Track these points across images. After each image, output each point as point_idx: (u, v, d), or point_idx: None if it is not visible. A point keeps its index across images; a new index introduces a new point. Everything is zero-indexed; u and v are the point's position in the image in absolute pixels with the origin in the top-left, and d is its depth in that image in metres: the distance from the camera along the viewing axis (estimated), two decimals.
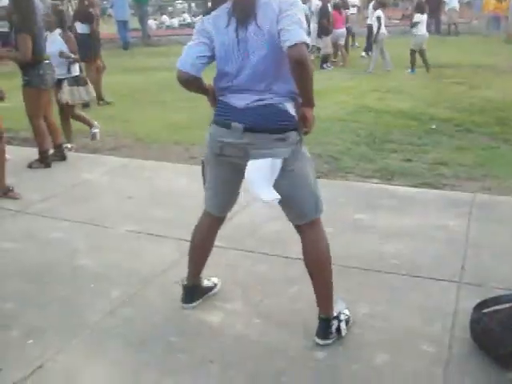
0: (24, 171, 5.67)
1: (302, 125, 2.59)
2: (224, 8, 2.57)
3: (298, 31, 2.36)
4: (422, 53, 12.18)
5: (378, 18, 12.60)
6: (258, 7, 2.47)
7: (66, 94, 6.25)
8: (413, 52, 12.22)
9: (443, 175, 5.26)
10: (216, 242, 3.09)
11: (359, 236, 3.94)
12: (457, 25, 21.43)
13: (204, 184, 2.92)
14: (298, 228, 2.78)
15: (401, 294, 3.20)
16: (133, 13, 22.08)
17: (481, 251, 3.65)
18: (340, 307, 2.86)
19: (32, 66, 5.45)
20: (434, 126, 7.13)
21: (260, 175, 2.54)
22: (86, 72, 9.32)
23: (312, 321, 2.86)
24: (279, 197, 2.56)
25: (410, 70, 12.17)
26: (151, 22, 25.30)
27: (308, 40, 2.39)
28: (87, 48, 9.12)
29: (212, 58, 2.62)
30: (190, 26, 30.43)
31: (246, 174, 2.58)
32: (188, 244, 3.09)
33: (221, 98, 2.66)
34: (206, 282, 3.22)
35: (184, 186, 5.00)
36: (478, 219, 4.14)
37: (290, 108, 2.56)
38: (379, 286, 3.30)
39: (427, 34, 12.55)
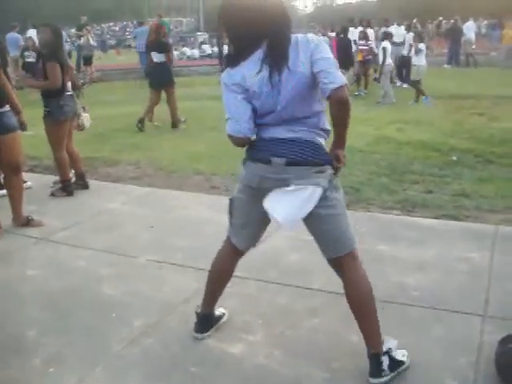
0: (47, 199, 5.75)
1: (335, 164, 2.64)
2: (254, 57, 2.52)
3: (339, 74, 2.46)
4: (418, 82, 12.50)
5: (384, 49, 12.84)
6: (290, 51, 2.49)
7: (86, 120, 6.31)
8: (415, 82, 12.52)
9: (465, 207, 5.22)
10: (237, 273, 3.10)
11: (381, 267, 3.91)
12: (473, 55, 21.59)
13: (230, 220, 2.92)
14: (337, 263, 2.73)
15: (424, 327, 3.17)
16: None
17: (505, 284, 3.60)
18: (389, 344, 2.75)
19: (55, 96, 5.58)
20: (454, 158, 7.09)
21: (291, 201, 2.56)
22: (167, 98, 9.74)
23: (332, 352, 2.86)
24: (297, 228, 2.61)
25: (424, 99, 12.36)
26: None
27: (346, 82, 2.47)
28: (164, 75, 9.64)
29: None
30: (211, 56, 30.98)
31: (274, 194, 2.59)
32: None
33: (256, 135, 2.67)
34: (216, 312, 3.22)
35: (205, 216, 5.02)
36: (502, 251, 4.09)
37: (323, 143, 2.63)
38: (401, 318, 3.26)
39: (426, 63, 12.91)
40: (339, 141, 2.63)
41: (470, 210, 5.15)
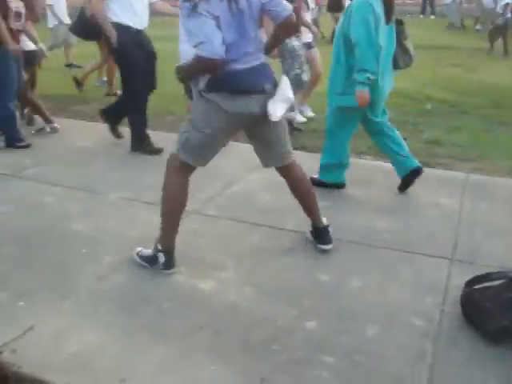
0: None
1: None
2: None
3: (286, 3, 2.78)
4: None
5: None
6: None
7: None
8: None
9: (437, 155, 5.26)
10: (209, 211, 3.08)
11: (353, 210, 3.94)
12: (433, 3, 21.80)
13: (188, 143, 2.95)
14: (285, 168, 3.18)
15: (393, 268, 3.21)
16: None
17: (473, 229, 3.66)
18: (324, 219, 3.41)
19: None
20: (429, 107, 7.11)
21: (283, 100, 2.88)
22: None
23: (302, 291, 2.89)
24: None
25: None
26: None
27: None
28: None
29: None
30: None
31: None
32: None
33: (230, 69, 2.76)
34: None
35: None
36: (471, 198, 4.15)
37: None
38: (372, 260, 3.30)
39: None
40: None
41: (442, 157, 5.19)
